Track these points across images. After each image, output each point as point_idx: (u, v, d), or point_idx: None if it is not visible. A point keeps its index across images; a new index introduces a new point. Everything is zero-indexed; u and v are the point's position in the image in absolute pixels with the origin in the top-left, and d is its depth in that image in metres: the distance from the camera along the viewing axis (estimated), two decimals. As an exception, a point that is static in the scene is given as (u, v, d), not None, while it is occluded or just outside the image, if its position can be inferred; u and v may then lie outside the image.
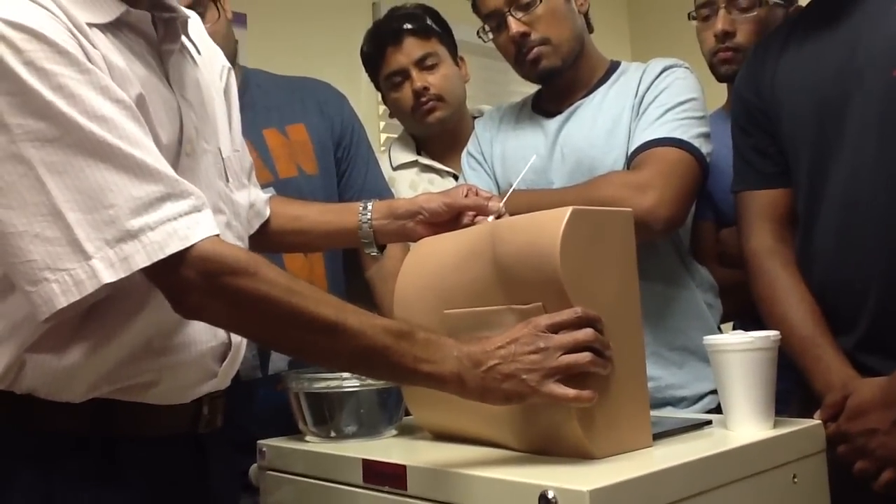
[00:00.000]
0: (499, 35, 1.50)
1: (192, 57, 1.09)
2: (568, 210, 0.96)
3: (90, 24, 0.92)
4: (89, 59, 0.88)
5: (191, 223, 0.88)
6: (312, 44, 2.54)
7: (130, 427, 0.98)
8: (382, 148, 2.42)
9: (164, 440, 1.00)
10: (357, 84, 2.48)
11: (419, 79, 1.78)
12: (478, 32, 1.54)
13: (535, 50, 1.46)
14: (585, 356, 0.91)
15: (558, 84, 1.51)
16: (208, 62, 1.14)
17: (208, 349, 1.02)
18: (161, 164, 0.89)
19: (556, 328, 0.92)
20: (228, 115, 1.16)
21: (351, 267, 1.70)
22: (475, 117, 1.94)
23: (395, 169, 1.88)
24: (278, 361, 1.51)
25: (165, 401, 1.00)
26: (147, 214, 0.86)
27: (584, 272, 0.96)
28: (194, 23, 1.13)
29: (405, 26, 1.80)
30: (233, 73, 1.21)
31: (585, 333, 0.91)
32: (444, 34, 1.85)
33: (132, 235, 0.85)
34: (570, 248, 0.95)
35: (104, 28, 0.94)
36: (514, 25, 1.45)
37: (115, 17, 0.95)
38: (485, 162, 1.58)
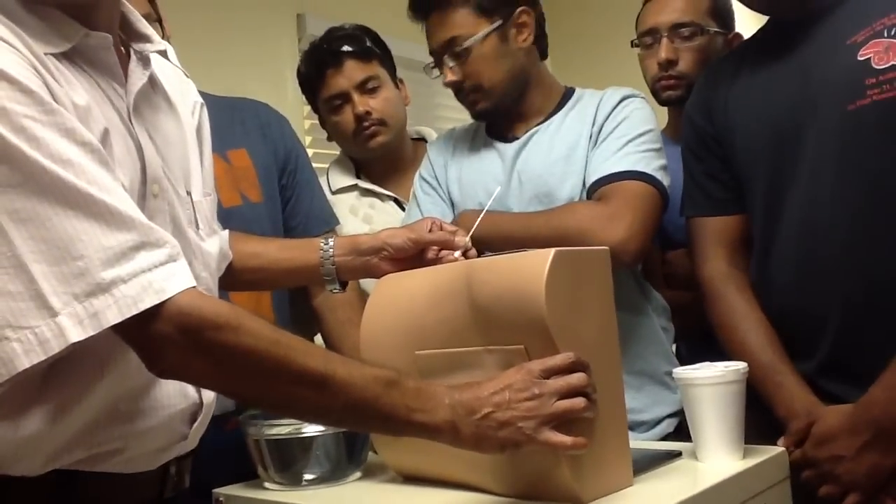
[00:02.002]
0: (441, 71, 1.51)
1: (163, 92, 1.02)
2: (551, 253, 0.95)
3: (48, 54, 0.84)
4: (54, 97, 0.81)
5: (166, 274, 0.81)
6: (234, 56, 2.45)
7: (92, 500, 0.90)
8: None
9: None
10: (282, 98, 2.41)
11: (361, 103, 1.73)
12: (424, 68, 1.54)
13: (470, 96, 1.48)
14: (580, 402, 0.90)
15: (510, 113, 1.51)
16: (180, 98, 1.07)
17: (179, 411, 0.95)
18: (133, 210, 0.83)
19: (548, 373, 0.90)
20: (200, 155, 1.09)
21: (295, 294, 1.64)
22: (414, 139, 1.92)
23: (334, 193, 1.83)
24: (225, 400, 1.44)
25: (131, 469, 0.92)
26: (119, 266, 0.79)
27: (567, 313, 0.95)
28: (171, 54, 1.06)
29: (344, 48, 1.75)
30: (205, 109, 1.14)
31: (579, 378, 0.90)
32: (385, 56, 1.81)
33: (103, 289, 0.78)
34: (554, 291, 0.94)
35: (60, 58, 0.86)
36: (449, 74, 1.47)
37: (72, 45, 0.88)
38: (439, 186, 1.56)
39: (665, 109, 1.72)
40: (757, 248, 1.33)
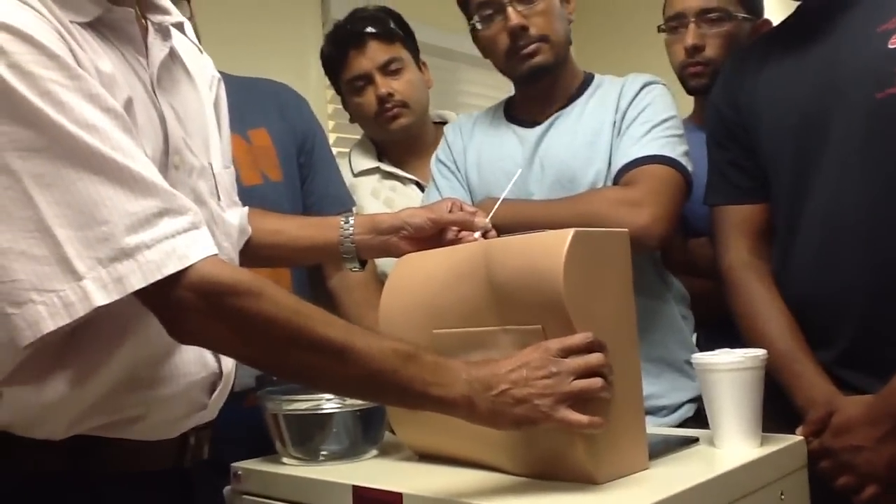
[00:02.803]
0: (491, 25, 1.46)
1: (182, 64, 1.03)
2: (570, 233, 0.95)
3: (73, 23, 0.85)
4: (78, 63, 0.82)
5: (189, 241, 0.82)
6: (258, 38, 2.45)
7: (113, 465, 0.91)
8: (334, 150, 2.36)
9: (148, 477, 0.94)
10: (305, 82, 2.41)
11: (384, 84, 1.73)
12: (471, 23, 1.49)
13: (533, 46, 1.44)
14: (597, 381, 0.90)
15: (536, 91, 1.50)
16: (198, 71, 1.07)
17: (199, 380, 0.96)
18: (156, 177, 0.84)
19: (566, 352, 0.90)
20: (218, 128, 1.10)
21: (313, 275, 1.65)
22: (436, 123, 1.92)
23: (356, 175, 1.84)
24: (245, 378, 1.45)
25: (151, 436, 0.94)
26: (143, 231, 0.80)
27: (584, 294, 0.95)
28: (188, 28, 1.06)
29: (368, 29, 1.75)
30: (222, 84, 1.14)
31: (597, 358, 0.90)
32: (408, 38, 1.81)
33: (127, 254, 0.79)
34: (572, 271, 0.93)
35: (85, 27, 0.87)
36: (515, 17, 1.42)
37: (97, 16, 0.88)
38: (457, 171, 1.55)
39: (688, 99, 1.71)
40: (779, 237, 1.32)
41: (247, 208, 1.20)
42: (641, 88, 1.44)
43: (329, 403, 1.17)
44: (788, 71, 1.30)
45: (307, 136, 1.65)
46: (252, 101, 1.61)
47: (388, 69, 1.74)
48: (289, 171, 1.59)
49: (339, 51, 1.77)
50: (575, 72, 1.53)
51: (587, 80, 1.53)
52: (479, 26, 1.48)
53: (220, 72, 1.62)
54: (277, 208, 1.48)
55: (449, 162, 1.57)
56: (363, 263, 1.25)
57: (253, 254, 1.22)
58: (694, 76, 1.62)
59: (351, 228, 1.22)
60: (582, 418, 0.88)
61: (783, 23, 1.40)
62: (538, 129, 1.49)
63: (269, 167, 1.56)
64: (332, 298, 1.64)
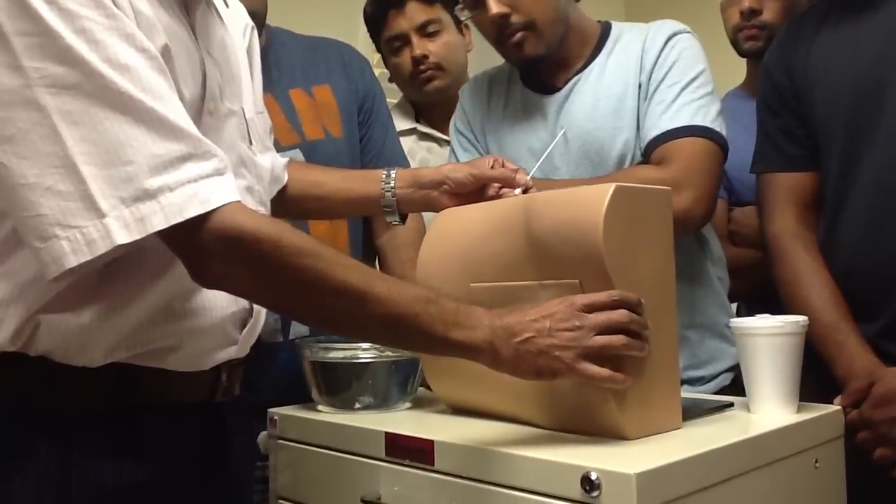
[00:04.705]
0: (475, 12, 1.36)
1: (217, 12, 1.04)
2: (611, 187, 0.94)
3: None
4: (115, 3, 0.83)
5: (212, 186, 0.83)
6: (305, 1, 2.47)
7: (150, 395, 0.94)
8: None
9: (184, 409, 0.97)
10: (353, 43, 2.42)
11: (419, 46, 1.74)
12: (454, 9, 1.42)
13: (519, 35, 1.34)
14: (619, 339, 0.89)
15: (548, 61, 1.40)
16: (232, 19, 1.08)
17: (229, 314, 0.98)
18: (184, 121, 0.84)
19: (591, 308, 0.90)
20: (251, 75, 1.11)
21: (365, 234, 1.66)
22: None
23: (393, 136, 1.84)
24: (300, 325, 1.48)
25: (185, 367, 0.96)
26: (167, 174, 0.81)
27: (624, 250, 0.94)
28: None
29: None
30: (255, 32, 1.16)
31: (620, 314, 0.90)
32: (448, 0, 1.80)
33: (150, 195, 0.80)
34: (612, 226, 0.93)
35: None
36: (495, 6, 1.31)
37: None
38: (477, 142, 1.50)
39: (741, 63, 1.68)
40: (828, 206, 1.29)
41: (286, 158, 1.21)
42: (666, 42, 1.34)
43: (365, 353, 1.18)
44: (845, 38, 1.27)
45: (368, 96, 1.66)
46: (317, 60, 1.62)
47: (425, 31, 1.75)
48: (349, 127, 1.60)
49: (379, 10, 1.78)
50: (587, 30, 1.42)
51: (604, 33, 1.42)
52: (461, 16, 1.40)
53: (287, 31, 1.65)
54: (337, 163, 1.49)
55: (467, 132, 1.51)
56: (404, 217, 1.26)
57: (296, 206, 1.24)
58: (748, 39, 1.59)
59: (392, 182, 1.22)
60: (603, 372, 0.88)
61: (842, -12, 1.36)
62: (558, 97, 1.41)
63: (331, 123, 1.58)
64: (380, 256, 1.65)
